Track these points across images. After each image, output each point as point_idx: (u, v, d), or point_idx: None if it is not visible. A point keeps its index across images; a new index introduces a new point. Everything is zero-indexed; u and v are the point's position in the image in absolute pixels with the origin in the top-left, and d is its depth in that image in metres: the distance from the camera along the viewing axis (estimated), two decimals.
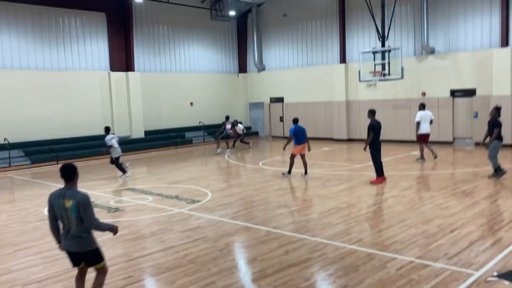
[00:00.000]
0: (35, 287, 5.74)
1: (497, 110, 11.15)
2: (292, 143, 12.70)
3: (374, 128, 11.33)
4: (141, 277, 6.02)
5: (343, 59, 22.35)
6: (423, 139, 14.59)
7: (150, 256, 6.72)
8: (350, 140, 22.04)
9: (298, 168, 13.08)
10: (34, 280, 5.94)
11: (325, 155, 17.56)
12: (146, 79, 22.24)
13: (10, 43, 18.20)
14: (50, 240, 7.67)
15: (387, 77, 18.61)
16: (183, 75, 24.02)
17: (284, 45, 24.97)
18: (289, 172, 12.90)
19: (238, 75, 26.78)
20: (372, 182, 11.44)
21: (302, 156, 12.72)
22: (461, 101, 18.69)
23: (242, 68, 26.88)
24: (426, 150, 14.84)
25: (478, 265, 5.84)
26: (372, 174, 11.87)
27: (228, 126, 20.27)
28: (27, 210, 10.17)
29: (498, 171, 11.24)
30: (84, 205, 4.46)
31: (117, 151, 14.00)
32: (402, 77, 18.18)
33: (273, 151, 20.42)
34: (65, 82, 19.60)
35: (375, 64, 18.87)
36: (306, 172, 12.69)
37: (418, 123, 14.45)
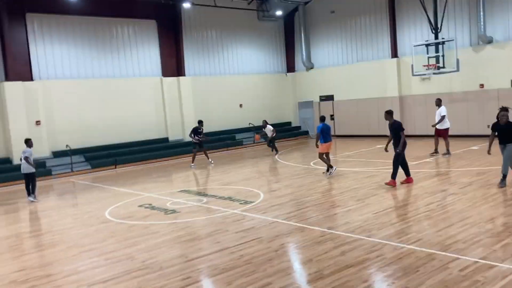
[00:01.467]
0: (100, 287, 6.00)
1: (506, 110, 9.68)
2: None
3: (402, 128, 10.89)
4: (199, 278, 6.14)
5: (394, 54, 21.77)
6: (447, 133, 14.89)
7: (207, 257, 6.84)
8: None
9: (353, 167, 12.85)
10: (99, 281, 6.20)
11: (379, 153, 17.14)
12: (196, 83, 22.69)
13: (69, 54, 19.17)
14: (111, 243, 8.02)
15: (441, 70, 17.94)
16: (232, 77, 24.30)
17: (333, 42, 24.65)
18: (331, 167, 13.01)
19: (286, 74, 26.74)
20: (402, 182, 10.90)
21: (326, 154, 13.02)
22: None
23: (290, 67, 26.81)
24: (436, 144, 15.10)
25: None
26: (426, 172, 11.47)
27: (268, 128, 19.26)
28: (89, 213, 10.65)
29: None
30: None
31: (23, 167, 12.74)
32: (458, 70, 17.45)
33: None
34: (121, 89, 20.39)
35: (428, 57, 18.24)
36: (328, 170, 12.97)
37: (444, 117, 14.69)
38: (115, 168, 18.64)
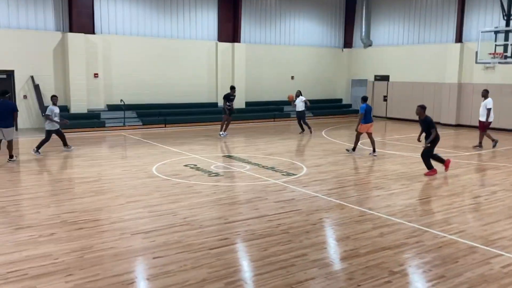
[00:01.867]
0: (142, 237, 6.29)
1: None
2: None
3: (433, 125, 10.45)
4: (235, 240, 6.31)
5: (459, 38, 20.73)
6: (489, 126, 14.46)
7: (245, 222, 7.00)
8: (458, 125, 20.62)
9: (401, 151, 12.58)
10: (142, 231, 6.50)
11: None
12: (250, 50, 22.61)
13: (130, 11, 19.55)
14: (156, 197, 8.34)
15: (508, 59, 16.95)
16: (287, 48, 24.01)
17: (395, 20, 23.73)
18: (354, 149, 13.10)
19: (342, 50, 26.11)
20: (428, 174, 10.48)
21: (370, 135, 12.99)
22: None
23: (347, 43, 26.13)
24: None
25: None
26: (477, 165, 11.06)
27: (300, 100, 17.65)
28: (137, 167, 11.07)
29: None
30: None
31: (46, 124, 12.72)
32: None
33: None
34: (176, 50, 20.67)
35: (496, 45, 17.25)
36: (374, 150, 12.90)
37: (490, 110, 14.16)
38: (165, 127, 19.14)
